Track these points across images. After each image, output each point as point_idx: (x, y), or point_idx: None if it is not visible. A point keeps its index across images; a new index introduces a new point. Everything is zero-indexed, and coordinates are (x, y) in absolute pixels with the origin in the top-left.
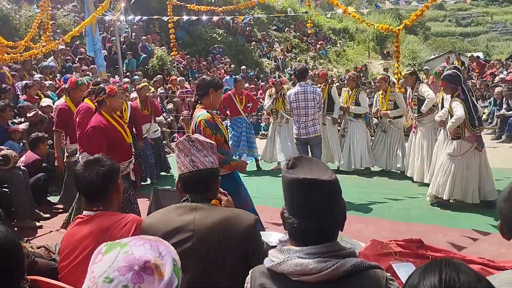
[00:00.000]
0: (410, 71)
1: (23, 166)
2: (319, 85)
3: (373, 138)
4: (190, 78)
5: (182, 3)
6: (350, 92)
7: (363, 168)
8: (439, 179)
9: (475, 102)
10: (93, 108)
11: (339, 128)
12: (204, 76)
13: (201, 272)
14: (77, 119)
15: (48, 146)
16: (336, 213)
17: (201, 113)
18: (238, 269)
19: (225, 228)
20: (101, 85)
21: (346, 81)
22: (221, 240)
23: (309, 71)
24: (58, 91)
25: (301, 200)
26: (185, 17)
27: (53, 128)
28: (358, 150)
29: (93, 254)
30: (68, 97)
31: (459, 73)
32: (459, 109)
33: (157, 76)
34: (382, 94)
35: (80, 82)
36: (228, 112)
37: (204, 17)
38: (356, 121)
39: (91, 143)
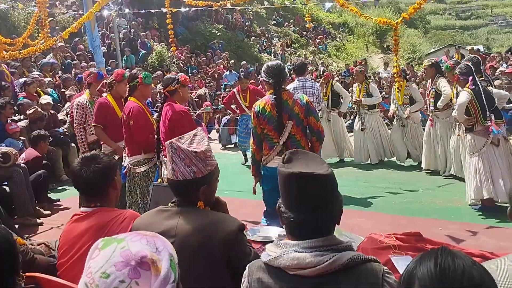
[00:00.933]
0: (430, 63)
1: (23, 163)
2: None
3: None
4: (190, 74)
5: None
6: (361, 86)
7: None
8: (467, 181)
9: (491, 93)
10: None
11: (351, 120)
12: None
13: (184, 278)
14: (139, 120)
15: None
16: (332, 207)
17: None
18: (222, 276)
19: (207, 234)
20: (170, 75)
21: (354, 76)
22: (202, 246)
23: (308, 66)
24: (85, 85)
25: (296, 194)
26: (183, 9)
27: (92, 123)
28: (385, 141)
29: (90, 250)
30: (109, 92)
31: (470, 65)
32: (461, 97)
33: (157, 72)
34: (358, 86)
35: (126, 74)
36: (235, 109)
37: (203, 8)
38: (371, 114)
39: (183, 126)
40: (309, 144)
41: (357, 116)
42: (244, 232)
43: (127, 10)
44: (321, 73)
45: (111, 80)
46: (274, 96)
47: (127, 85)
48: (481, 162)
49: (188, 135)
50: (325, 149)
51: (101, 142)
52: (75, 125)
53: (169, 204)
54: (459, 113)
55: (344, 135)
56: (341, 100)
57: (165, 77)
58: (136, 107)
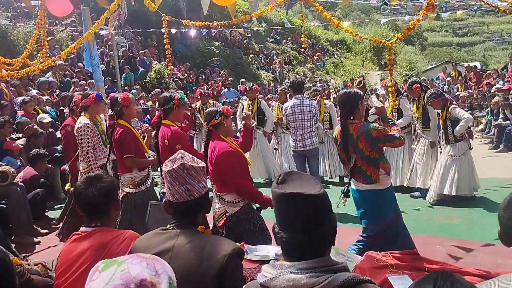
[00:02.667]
0: (412, 81)
1: (21, 181)
2: (249, 101)
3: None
4: (188, 92)
5: (176, 19)
6: (281, 106)
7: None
8: (445, 178)
9: None
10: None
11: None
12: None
13: None
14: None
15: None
16: (325, 227)
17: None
18: None
19: (201, 258)
20: (212, 109)
21: (278, 96)
22: (196, 270)
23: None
24: (80, 108)
25: (288, 214)
26: (181, 30)
27: (125, 156)
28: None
29: (90, 272)
30: (122, 118)
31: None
32: (466, 113)
33: (155, 90)
34: (279, 106)
35: (132, 97)
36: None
37: (200, 30)
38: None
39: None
40: (379, 170)
41: (274, 134)
42: (240, 256)
43: (125, 30)
44: (249, 87)
45: (121, 106)
46: (340, 129)
47: (162, 108)
48: (463, 163)
49: (178, 154)
50: (253, 166)
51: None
52: (86, 149)
53: (169, 225)
54: (466, 125)
55: (271, 154)
56: (265, 118)
57: (206, 110)
58: (178, 131)
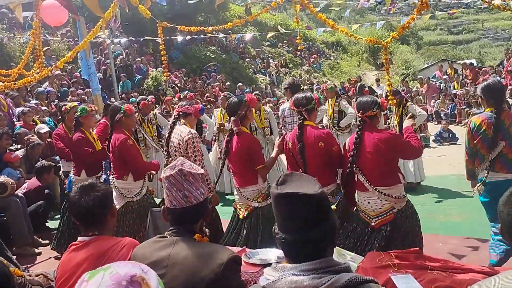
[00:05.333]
0: (330, 86)
1: (24, 192)
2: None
3: None
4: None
5: (172, 25)
6: (224, 111)
7: None
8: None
9: None
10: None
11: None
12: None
13: None
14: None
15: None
16: (324, 228)
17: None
18: None
19: (196, 266)
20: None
21: (222, 102)
22: (192, 279)
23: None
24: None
25: (286, 215)
26: (178, 38)
27: (151, 173)
28: None
29: (76, 285)
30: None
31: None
32: (421, 110)
33: (149, 96)
34: (221, 111)
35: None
36: None
37: (196, 36)
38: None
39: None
40: None
41: (216, 142)
42: (236, 264)
43: (122, 39)
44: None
45: (121, 115)
46: (494, 116)
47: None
48: None
49: (178, 161)
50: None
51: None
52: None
53: (166, 232)
54: (421, 120)
55: (210, 163)
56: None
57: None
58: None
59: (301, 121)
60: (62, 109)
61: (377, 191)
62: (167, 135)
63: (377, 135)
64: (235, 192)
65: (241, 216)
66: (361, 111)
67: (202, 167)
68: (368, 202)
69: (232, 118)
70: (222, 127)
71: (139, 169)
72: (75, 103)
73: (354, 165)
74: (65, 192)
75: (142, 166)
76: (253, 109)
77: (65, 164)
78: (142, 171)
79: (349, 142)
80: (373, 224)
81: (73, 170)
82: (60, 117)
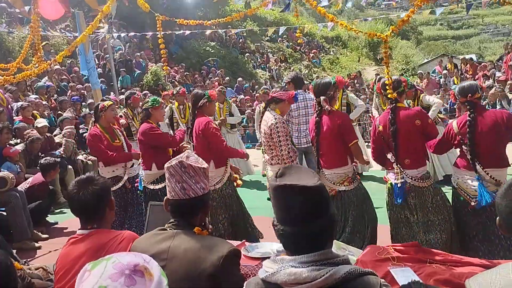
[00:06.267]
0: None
1: (29, 186)
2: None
3: None
4: (186, 93)
5: (171, 18)
6: (222, 106)
7: None
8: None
9: None
10: None
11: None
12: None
13: None
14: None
15: None
16: (321, 220)
17: None
18: None
19: (196, 259)
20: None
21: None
22: (192, 271)
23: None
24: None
25: (285, 207)
26: (177, 32)
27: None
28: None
29: (78, 275)
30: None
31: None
32: (435, 98)
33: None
34: (219, 105)
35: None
36: None
37: (196, 31)
38: (232, 133)
39: None
40: None
41: None
42: (236, 257)
43: (120, 34)
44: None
45: (205, 101)
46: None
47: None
48: None
49: (184, 154)
50: None
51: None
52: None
53: (167, 225)
54: (437, 110)
55: None
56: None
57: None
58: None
59: (394, 104)
60: (99, 107)
61: (486, 173)
62: (260, 120)
63: (493, 114)
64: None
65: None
66: (469, 95)
67: (288, 152)
68: (471, 182)
69: (322, 98)
70: (224, 122)
71: (224, 153)
72: (111, 102)
73: (466, 146)
74: (138, 191)
75: (227, 150)
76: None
77: (104, 170)
78: (226, 156)
79: (460, 123)
80: (472, 203)
81: (142, 166)
82: (94, 117)
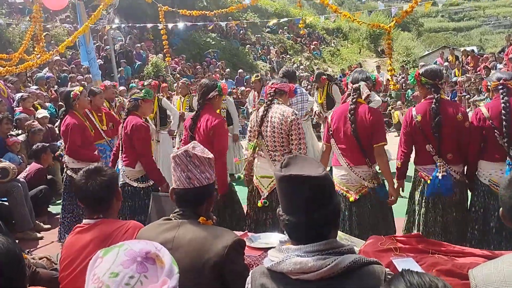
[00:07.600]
0: (258, 78)
1: (26, 177)
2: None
3: None
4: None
5: (173, 9)
6: (183, 99)
7: None
8: None
9: None
10: None
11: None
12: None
13: None
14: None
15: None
16: (327, 209)
17: None
18: None
19: (200, 249)
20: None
21: (179, 89)
22: (196, 261)
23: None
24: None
25: (290, 197)
26: (179, 24)
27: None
28: None
29: (90, 261)
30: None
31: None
32: (376, 95)
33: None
34: (180, 99)
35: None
36: None
37: (197, 23)
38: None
39: None
40: None
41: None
42: (240, 247)
43: (117, 21)
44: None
45: (216, 93)
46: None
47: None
48: None
49: (191, 144)
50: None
51: None
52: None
53: (172, 215)
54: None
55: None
56: (171, 117)
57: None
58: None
59: (439, 95)
60: (72, 95)
61: None
62: (261, 113)
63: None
64: (339, 174)
65: (351, 199)
66: (503, 79)
67: (305, 149)
68: (503, 173)
69: (363, 83)
70: (183, 116)
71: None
72: (81, 87)
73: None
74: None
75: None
76: (179, 96)
77: (70, 160)
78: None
79: (493, 112)
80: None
81: (123, 160)
82: (65, 105)
